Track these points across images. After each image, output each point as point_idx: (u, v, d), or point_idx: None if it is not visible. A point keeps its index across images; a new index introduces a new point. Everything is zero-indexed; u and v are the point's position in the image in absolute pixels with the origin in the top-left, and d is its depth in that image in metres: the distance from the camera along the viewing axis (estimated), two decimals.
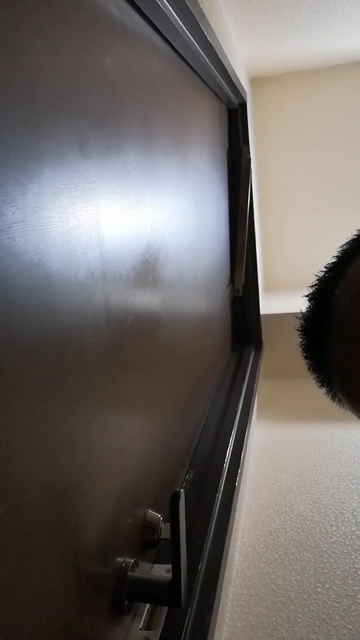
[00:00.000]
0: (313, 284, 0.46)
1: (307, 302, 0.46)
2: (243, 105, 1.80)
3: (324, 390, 0.46)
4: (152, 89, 0.84)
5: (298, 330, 0.47)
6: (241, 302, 1.93)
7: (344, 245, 0.45)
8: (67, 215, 0.49)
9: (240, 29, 1.61)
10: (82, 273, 0.52)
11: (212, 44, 1.12)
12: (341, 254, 0.45)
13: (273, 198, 2.36)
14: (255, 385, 1.57)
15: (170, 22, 0.87)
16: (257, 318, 1.98)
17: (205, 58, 1.18)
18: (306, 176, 2.33)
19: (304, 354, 0.47)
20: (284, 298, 2.25)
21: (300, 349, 0.47)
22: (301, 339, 0.47)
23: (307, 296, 0.46)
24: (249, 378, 1.61)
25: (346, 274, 0.42)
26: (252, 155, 1.86)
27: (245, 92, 1.80)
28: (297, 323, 0.47)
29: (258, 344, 1.98)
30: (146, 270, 0.76)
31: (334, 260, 0.45)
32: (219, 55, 1.21)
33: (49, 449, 0.44)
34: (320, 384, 0.46)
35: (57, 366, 0.46)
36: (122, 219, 0.66)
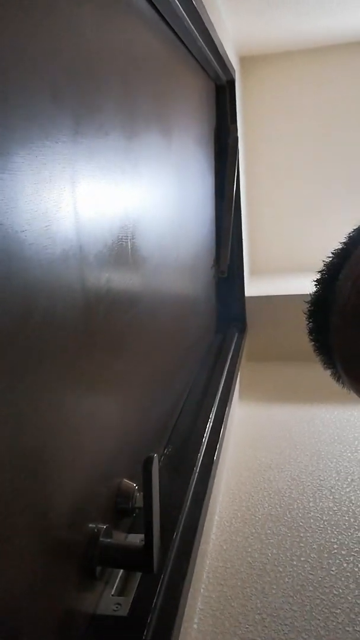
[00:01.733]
0: (320, 269, 0.47)
1: (314, 286, 0.48)
2: (231, 83, 1.78)
3: (329, 372, 0.48)
4: (132, 50, 0.81)
5: (305, 313, 0.48)
6: (226, 283, 1.92)
7: (351, 231, 0.47)
8: (38, 165, 0.47)
9: (229, 3, 1.58)
10: (54, 228, 0.50)
11: (200, 14, 1.10)
12: (348, 239, 0.46)
13: (260, 180, 2.35)
14: (237, 366, 1.56)
15: None
16: (241, 300, 1.98)
17: (193, 28, 1.16)
18: (294, 158, 2.31)
19: (310, 337, 0.48)
20: (269, 281, 2.25)
21: (307, 331, 0.49)
22: (307, 322, 0.48)
23: (314, 280, 0.48)
24: (231, 359, 1.60)
25: (350, 260, 0.44)
26: (239, 135, 1.84)
27: (234, 70, 1.77)
28: (305, 307, 0.49)
29: (242, 326, 1.98)
30: (124, 236, 0.74)
31: (340, 245, 0.46)
32: (207, 27, 1.19)
33: (11, 403, 0.43)
34: (325, 365, 0.48)
35: (24, 319, 0.44)
36: (99, 181, 0.65)
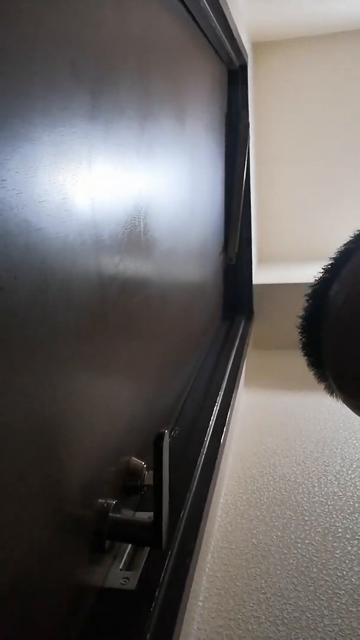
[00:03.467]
0: (312, 283, 0.48)
1: (306, 301, 0.48)
2: (244, 67, 1.76)
3: (322, 386, 0.49)
4: (149, 30, 0.81)
5: (298, 328, 0.49)
6: (234, 270, 1.91)
7: (341, 246, 0.47)
8: (56, 136, 0.47)
9: None
10: (70, 202, 0.50)
11: None
12: (338, 254, 0.47)
13: (270, 167, 2.33)
14: (244, 353, 1.57)
15: None
16: (249, 287, 1.97)
17: (209, 10, 1.14)
18: (305, 146, 2.29)
19: (303, 351, 0.49)
20: (277, 269, 2.24)
21: (300, 346, 0.49)
22: (300, 337, 0.49)
23: (306, 295, 0.48)
24: (238, 346, 1.60)
25: (340, 275, 0.44)
26: (250, 121, 1.82)
27: (247, 54, 1.75)
28: (297, 322, 0.49)
29: (249, 314, 1.97)
30: (137, 216, 0.74)
31: (331, 261, 0.47)
32: (223, 9, 1.17)
33: (30, 373, 0.43)
34: (319, 380, 0.49)
35: (41, 291, 0.45)
36: (114, 158, 0.64)
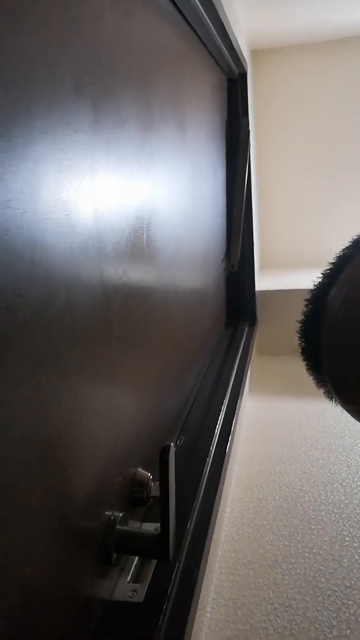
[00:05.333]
0: (311, 288, 0.48)
1: (305, 305, 0.48)
2: (243, 76, 1.77)
3: (321, 390, 0.48)
4: (149, 42, 0.81)
5: (297, 332, 0.49)
6: (236, 277, 1.92)
7: (340, 251, 0.47)
8: (59, 153, 0.47)
9: None
10: (74, 217, 0.51)
11: (215, 6, 1.09)
12: (337, 259, 0.47)
13: (271, 173, 2.34)
14: (248, 360, 1.57)
15: None
16: (252, 294, 1.97)
17: (207, 20, 1.15)
18: (306, 153, 2.30)
19: (303, 356, 0.49)
20: (279, 275, 2.24)
21: (299, 351, 0.49)
22: (299, 342, 0.49)
23: (305, 300, 0.48)
24: (241, 353, 1.60)
25: (338, 280, 0.45)
26: (251, 129, 1.83)
27: (246, 62, 1.76)
28: (297, 326, 0.49)
29: (252, 320, 1.97)
30: (140, 227, 0.75)
31: (330, 265, 0.47)
32: (222, 19, 1.18)
33: (35, 389, 0.43)
34: (318, 385, 0.49)
35: (45, 307, 0.45)
36: (117, 171, 0.65)
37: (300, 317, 0.49)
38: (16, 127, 0.39)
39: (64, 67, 0.49)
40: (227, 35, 1.29)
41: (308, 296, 0.48)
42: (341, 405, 0.47)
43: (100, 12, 0.59)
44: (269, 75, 2.25)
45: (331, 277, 0.46)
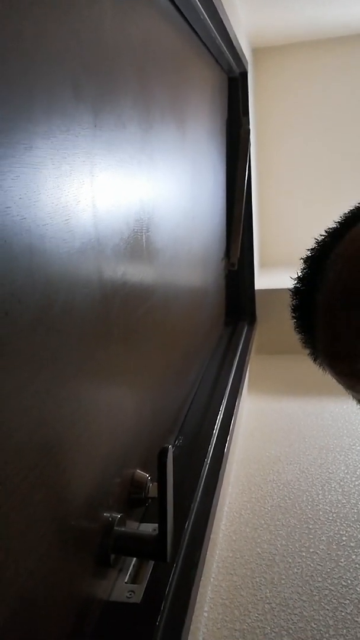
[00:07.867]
0: (312, 247, 0.46)
1: (303, 263, 0.46)
2: (244, 75, 1.77)
3: (307, 351, 0.47)
4: (149, 43, 0.81)
5: (290, 290, 0.47)
6: (236, 276, 1.92)
7: (347, 211, 0.46)
8: (59, 158, 0.47)
9: None
10: (73, 222, 0.51)
11: (216, 6, 1.09)
12: (343, 219, 0.45)
13: (271, 172, 2.34)
14: (247, 359, 1.57)
15: None
16: (251, 293, 1.98)
17: (208, 20, 1.15)
18: (306, 151, 2.30)
19: (292, 315, 0.47)
20: (279, 274, 2.24)
21: (290, 308, 0.47)
22: (292, 299, 0.47)
23: (302, 258, 0.46)
24: (240, 352, 1.61)
25: (343, 239, 0.43)
26: (251, 127, 1.83)
27: (247, 61, 1.76)
28: (291, 284, 0.47)
29: (251, 319, 1.98)
30: (140, 229, 0.75)
31: (334, 225, 0.45)
32: (222, 18, 1.18)
33: (34, 394, 0.44)
34: (304, 344, 0.47)
35: (44, 312, 0.45)
36: (116, 174, 0.65)
37: (296, 275, 0.47)
38: (16, 133, 0.40)
39: (64, 73, 0.49)
40: (228, 34, 1.29)
41: (306, 254, 0.46)
42: (327, 366, 0.45)
43: (100, 16, 0.59)
44: (270, 73, 2.24)
45: (335, 236, 0.44)
